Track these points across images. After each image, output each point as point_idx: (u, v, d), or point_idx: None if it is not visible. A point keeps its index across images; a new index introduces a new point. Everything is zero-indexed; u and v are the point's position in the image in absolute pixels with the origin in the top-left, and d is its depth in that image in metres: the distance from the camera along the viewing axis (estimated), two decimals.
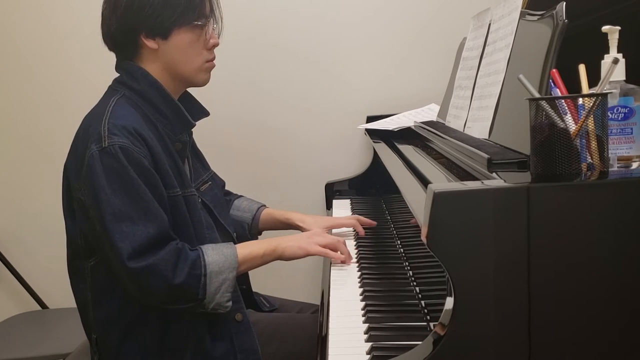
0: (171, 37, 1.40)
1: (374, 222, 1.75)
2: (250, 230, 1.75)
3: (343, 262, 1.51)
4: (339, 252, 1.51)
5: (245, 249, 1.42)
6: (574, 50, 1.09)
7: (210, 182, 1.59)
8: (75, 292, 1.45)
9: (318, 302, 1.48)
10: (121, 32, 1.40)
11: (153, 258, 1.27)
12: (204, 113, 1.57)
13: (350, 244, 1.67)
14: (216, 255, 1.35)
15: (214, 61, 1.48)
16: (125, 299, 1.36)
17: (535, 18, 1.23)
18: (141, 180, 1.29)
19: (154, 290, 1.29)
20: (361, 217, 1.76)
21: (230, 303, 1.35)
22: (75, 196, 1.35)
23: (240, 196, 1.82)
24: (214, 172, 1.68)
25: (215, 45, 1.47)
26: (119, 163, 1.27)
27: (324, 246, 1.49)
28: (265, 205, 1.80)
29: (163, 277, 1.27)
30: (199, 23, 1.41)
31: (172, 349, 1.37)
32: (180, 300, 1.31)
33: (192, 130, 1.51)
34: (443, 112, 1.78)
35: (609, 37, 1.05)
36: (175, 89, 1.45)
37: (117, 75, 1.46)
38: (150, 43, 1.39)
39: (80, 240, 1.38)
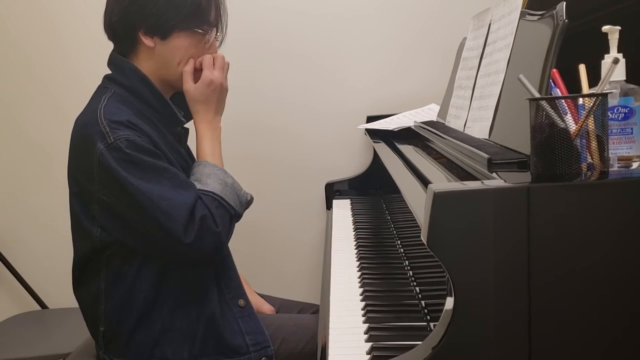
0: (170, 39, 1.39)
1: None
2: None
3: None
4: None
5: (212, 157, 1.45)
6: (574, 50, 1.09)
7: None
8: (82, 290, 1.44)
9: (318, 302, 1.48)
10: (121, 26, 1.40)
11: (199, 222, 1.30)
12: None
13: (350, 244, 1.67)
14: (211, 182, 1.38)
15: None
16: (136, 286, 1.37)
17: (535, 18, 1.23)
18: (157, 161, 1.31)
19: (215, 245, 1.33)
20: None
21: (249, 194, 1.47)
22: (95, 198, 1.33)
23: None
24: None
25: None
26: (130, 154, 1.28)
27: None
28: None
29: (212, 231, 1.32)
30: (201, 31, 1.41)
31: (183, 333, 1.38)
32: (230, 226, 1.39)
33: (188, 129, 1.52)
34: (443, 112, 1.77)
35: (609, 37, 1.05)
36: (163, 90, 1.43)
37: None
38: (148, 41, 1.39)
39: (97, 238, 1.36)
